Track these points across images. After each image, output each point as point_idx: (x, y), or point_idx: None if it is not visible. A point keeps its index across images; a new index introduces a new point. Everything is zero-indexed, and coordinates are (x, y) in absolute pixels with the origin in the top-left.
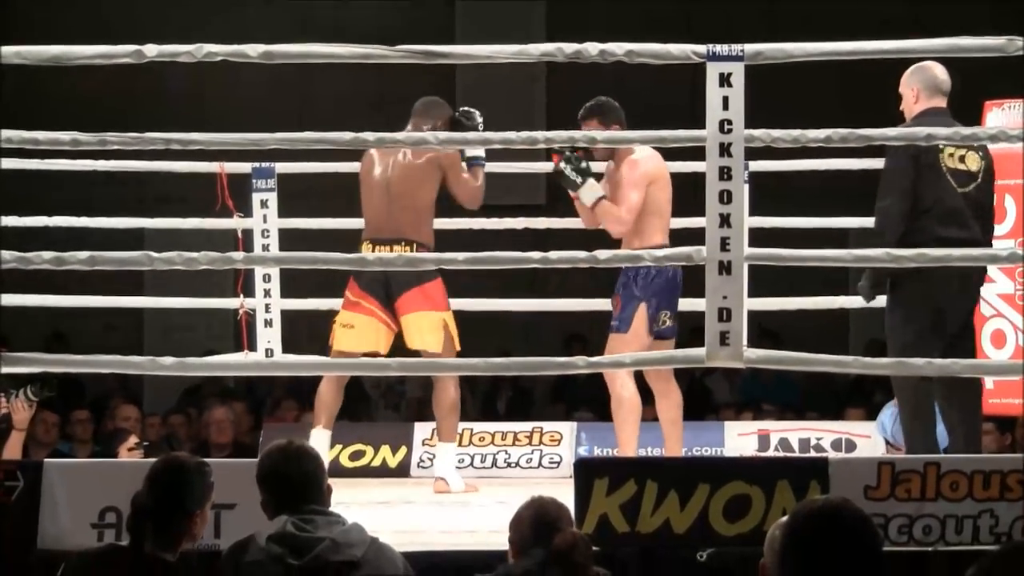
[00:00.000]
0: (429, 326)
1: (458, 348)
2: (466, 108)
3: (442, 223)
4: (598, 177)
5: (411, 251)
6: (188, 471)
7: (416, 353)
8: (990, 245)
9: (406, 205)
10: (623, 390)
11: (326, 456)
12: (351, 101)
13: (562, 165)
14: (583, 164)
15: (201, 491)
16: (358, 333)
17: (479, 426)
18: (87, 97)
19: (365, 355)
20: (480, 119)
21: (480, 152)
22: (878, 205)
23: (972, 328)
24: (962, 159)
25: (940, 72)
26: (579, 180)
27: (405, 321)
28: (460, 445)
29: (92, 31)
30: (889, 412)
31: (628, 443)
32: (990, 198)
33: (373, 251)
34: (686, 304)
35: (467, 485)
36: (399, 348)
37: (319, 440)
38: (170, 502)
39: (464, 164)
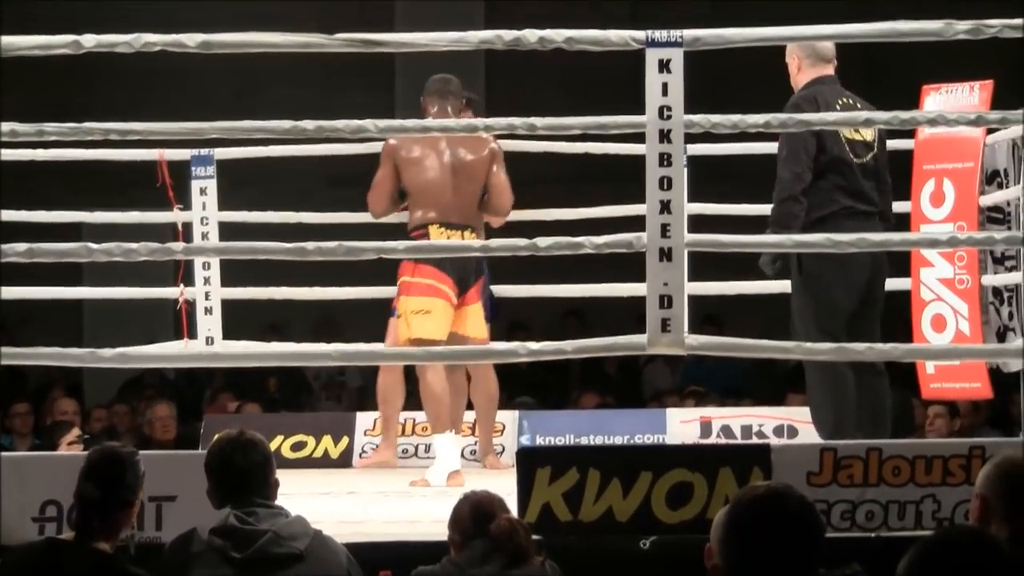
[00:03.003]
0: (478, 314)
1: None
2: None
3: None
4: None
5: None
6: (124, 462)
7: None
8: (889, 214)
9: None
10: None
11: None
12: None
13: None
14: None
15: (135, 480)
16: (435, 319)
17: (422, 415)
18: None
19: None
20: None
21: None
22: (783, 175)
23: (875, 308)
24: (857, 129)
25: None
26: None
27: (466, 311)
28: (403, 435)
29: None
30: None
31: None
32: (885, 165)
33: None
34: (628, 290)
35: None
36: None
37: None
38: (114, 493)
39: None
